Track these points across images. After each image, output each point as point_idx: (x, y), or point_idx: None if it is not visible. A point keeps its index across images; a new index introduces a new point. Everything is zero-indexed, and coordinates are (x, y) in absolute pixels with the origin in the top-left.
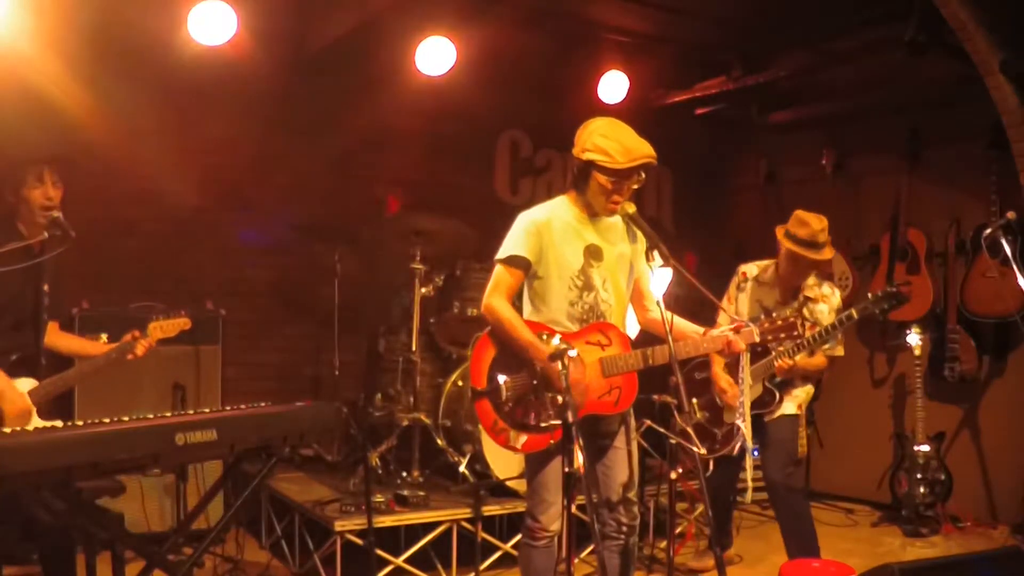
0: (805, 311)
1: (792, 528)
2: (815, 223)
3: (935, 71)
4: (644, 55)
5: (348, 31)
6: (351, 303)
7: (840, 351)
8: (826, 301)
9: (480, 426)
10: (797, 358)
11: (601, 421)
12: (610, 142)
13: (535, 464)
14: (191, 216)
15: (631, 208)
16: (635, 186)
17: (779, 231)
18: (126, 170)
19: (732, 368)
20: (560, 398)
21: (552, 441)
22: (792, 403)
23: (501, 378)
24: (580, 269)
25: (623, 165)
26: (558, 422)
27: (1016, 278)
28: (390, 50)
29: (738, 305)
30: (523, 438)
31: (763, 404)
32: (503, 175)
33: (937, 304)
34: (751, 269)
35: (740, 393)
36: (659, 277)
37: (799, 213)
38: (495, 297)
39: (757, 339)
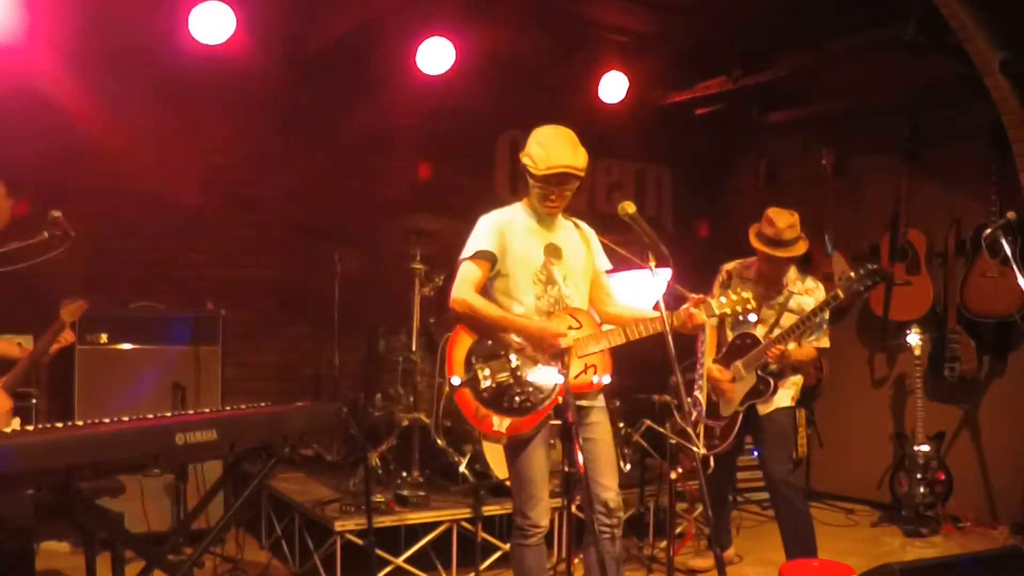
0: (792, 304)
1: (792, 525)
2: (781, 221)
3: (935, 71)
4: (644, 55)
5: (348, 31)
6: (351, 303)
7: (826, 342)
8: (811, 294)
9: (463, 416)
10: (790, 346)
11: (580, 411)
12: (539, 149)
13: (517, 460)
14: (191, 216)
15: (631, 208)
16: (567, 193)
17: (752, 230)
18: (126, 170)
19: (723, 363)
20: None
21: (535, 424)
22: (786, 394)
23: (480, 366)
24: (542, 265)
25: (541, 172)
26: (538, 402)
27: (1016, 278)
28: (390, 50)
29: None
30: (507, 421)
31: (758, 393)
32: (503, 175)
33: (937, 304)
34: (733, 267)
35: (700, 365)
36: (659, 277)
37: (769, 211)
38: (462, 290)
39: (717, 312)
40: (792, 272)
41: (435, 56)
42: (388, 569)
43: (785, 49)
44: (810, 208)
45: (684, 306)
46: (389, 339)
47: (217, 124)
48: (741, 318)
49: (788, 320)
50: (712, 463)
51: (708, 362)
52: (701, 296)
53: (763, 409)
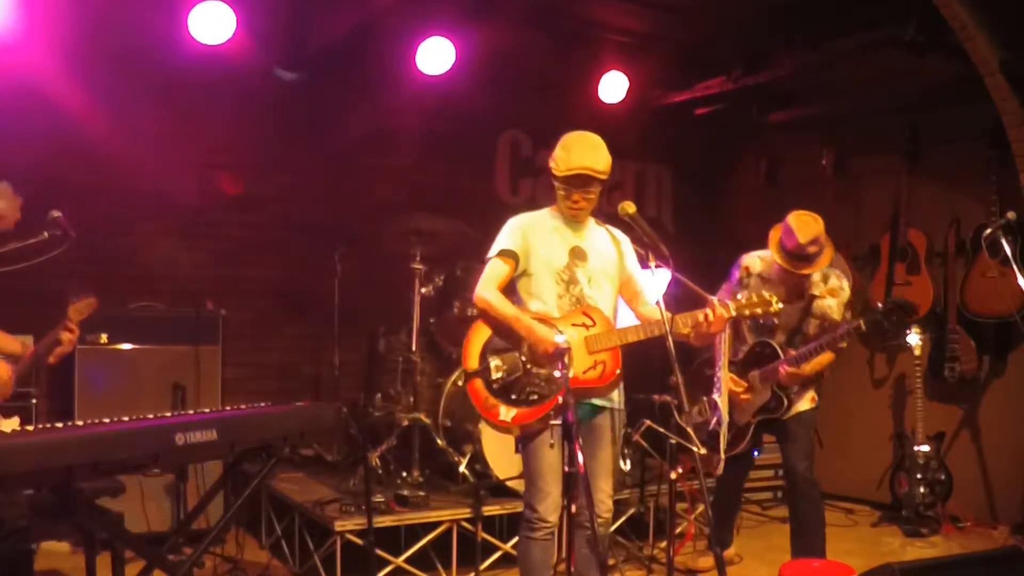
0: (815, 308)
1: (804, 523)
2: (802, 235)
3: (935, 71)
4: (644, 55)
5: (348, 31)
6: (351, 303)
7: (843, 342)
8: (834, 295)
9: (473, 406)
10: (804, 367)
11: (593, 411)
12: (562, 152)
13: (528, 454)
14: (191, 216)
15: (631, 208)
16: (590, 195)
17: (772, 236)
18: (126, 170)
19: (740, 368)
20: (547, 371)
21: (541, 416)
22: (807, 397)
23: (492, 358)
24: (565, 265)
25: (561, 173)
26: (546, 394)
27: (1016, 278)
28: (390, 50)
29: None
30: (513, 411)
31: (770, 410)
32: (503, 175)
33: (937, 304)
34: (754, 263)
35: (718, 368)
36: (658, 277)
37: (791, 219)
38: (484, 287)
39: (734, 313)
40: (816, 273)
41: (435, 56)
42: (388, 569)
43: (785, 49)
44: (810, 208)
45: (704, 310)
46: (389, 339)
47: (217, 124)
48: (762, 321)
49: (811, 326)
50: (722, 465)
51: (726, 365)
52: (720, 300)
53: (783, 415)
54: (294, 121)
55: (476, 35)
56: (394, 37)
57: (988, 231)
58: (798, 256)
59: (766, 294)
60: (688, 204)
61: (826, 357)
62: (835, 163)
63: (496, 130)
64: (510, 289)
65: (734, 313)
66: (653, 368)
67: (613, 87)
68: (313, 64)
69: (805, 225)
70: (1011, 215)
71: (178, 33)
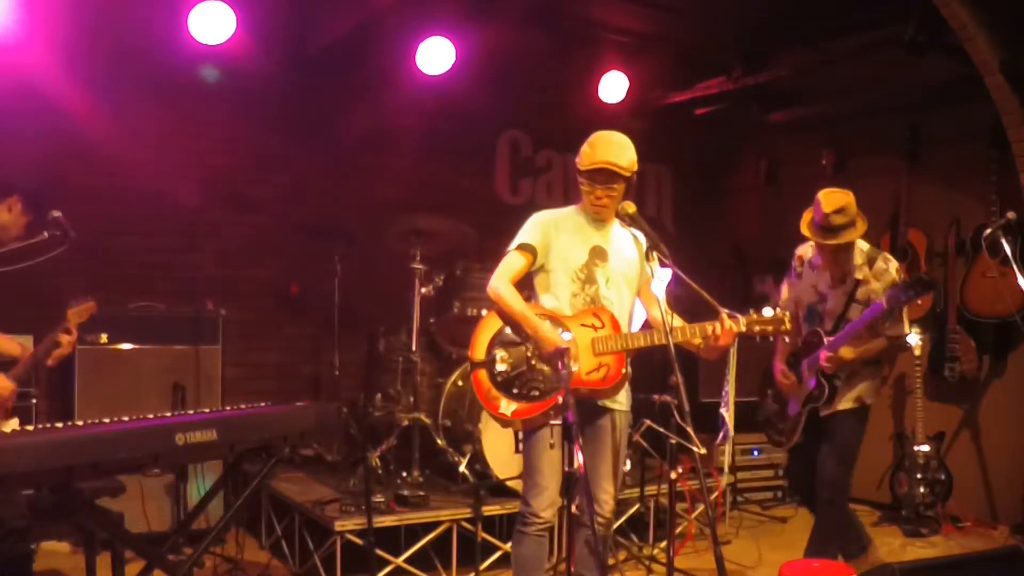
0: (859, 293)
1: (819, 527)
2: (827, 205)
3: (935, 71)
4: (644, 55)
5: (348, 31)
6: (351, 303)
7: (902, 328)
8: (880, 278)
9: (475, 395)
10: (841, 351)
11: (597, 412)
12: (587, 148)
13: (528, 449)
14: (191, 216)
15: (631, 208)
16: (614, 193)
17: (805, 216)
18: (126, 170)
19: (799, 356)
20: (548, 367)
21: (541, 411)
22: (848, 396)
23: (499, 351)
24: (584, 264)
25: (585, 167)
26: (548, 391)
27: (1016, 278)
28: (390, 50)
29: (797, 290)
30: (513, 405)
31: (815, 398)
32: (503, 175)
33: (937, 304)
34: (805, 251)
35: (725, 383)
36: (659, 277)
37: (820, 193)
38: (497, 278)
39: (743, 328)
40: (859, 255)
41: (435, 56)
42: (388, 569)
43: (785, 49)
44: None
45: (713, 323)
46: (389, 339)
47: (217, 124)
48: (772, 339)
49: (855, 312)
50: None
51: (733, 380)
52: (728, 313)
53: (823, 411)
54: (294, 121)
55: (476, 35)
56: (394, 37)
57: (988, 231)
58: (824, 228)
59: (779, 311)
60: (688, 204)
61: (874, 344)
62: (835, 163)
63: (496, 130)
64: (526, 283)
65: (744, 328)
66: (653, 368)
67: (613, 87)
68: (313, 64)
69: (831, 196)
70: (1011, 215)
71: (178, 33)
